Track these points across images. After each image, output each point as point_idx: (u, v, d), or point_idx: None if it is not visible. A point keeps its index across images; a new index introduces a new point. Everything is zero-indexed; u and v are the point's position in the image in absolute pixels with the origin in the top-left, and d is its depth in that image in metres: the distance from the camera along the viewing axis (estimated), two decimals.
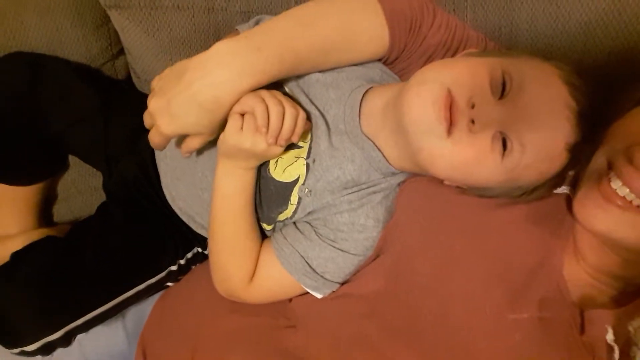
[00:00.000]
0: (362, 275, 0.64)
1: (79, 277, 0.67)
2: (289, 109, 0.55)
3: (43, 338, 0.64)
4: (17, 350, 0.64)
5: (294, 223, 0.64)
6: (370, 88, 0.62)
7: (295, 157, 0.62)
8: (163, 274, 0.74)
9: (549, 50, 0.69)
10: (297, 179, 0.62)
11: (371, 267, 0.63)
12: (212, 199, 0.63)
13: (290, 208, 0.62)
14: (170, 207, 0.74)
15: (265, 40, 0.55)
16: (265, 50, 0.54)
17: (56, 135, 0.78)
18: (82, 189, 0.90)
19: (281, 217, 0.64)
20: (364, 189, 0.61)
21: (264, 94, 0.55)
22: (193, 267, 0.78)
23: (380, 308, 0.60)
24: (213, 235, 0.65)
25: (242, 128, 0.55)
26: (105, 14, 0.82)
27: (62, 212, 0.91)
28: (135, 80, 0.89)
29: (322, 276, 0.62)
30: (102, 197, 0.85)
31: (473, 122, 0.52)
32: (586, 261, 0.57)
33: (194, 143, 0.59)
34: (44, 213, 0.89)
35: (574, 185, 0.60)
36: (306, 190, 0.61)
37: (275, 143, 0.56)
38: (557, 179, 0.58)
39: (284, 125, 0.55)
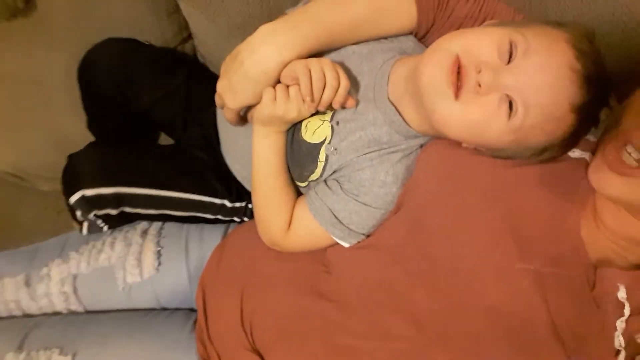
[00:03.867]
0: (384, 229, 0.70)
1: (139, 158, 0.81)
2: (330, 81, 0.62)
3: (98, 187, 0.76)
4: (78, 195, 0.75)
5: (324, 181, 0.72)
6: (399, 58, 0.69)
7: (321, 120, 0.69)
8: (215, 200, 0.84)
9: (577, 21, 0.71)
10: (324, 140, 0.69)
11: (392, 220, 0.69)
12: (252, 161, 0.72)
13: (320, 166, 0.70)
14: (228, 169, 0.85)
15: (301, 19, 0.63)
16: (301, 28, 0.63)
17: (148, 107, 0.90)
18: None
19: (313, 176, 0.72)
20: (384, 148, 0.67)
21: (312, 63, 0.62)
22: (245, 218, 0.89)
23: (401, 257, 0.66)
24: (255, 192, 0.74)
25: (275, 99, 0.64)
26: (176, 3, 0.94)
27: None
28: (201, 60, 1.02)
29: (347, 227, 0.69)
30: None
31: (480, 85, 0.56)
32: (606, 227, 0.59)
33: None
34: None
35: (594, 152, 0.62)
36: (332, 148, 0.69)
37: (314, 109, 0.64)
38: (569, 141, 0.60)
39: (324, 95, 0.63)
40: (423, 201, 0.66)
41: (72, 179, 0.78)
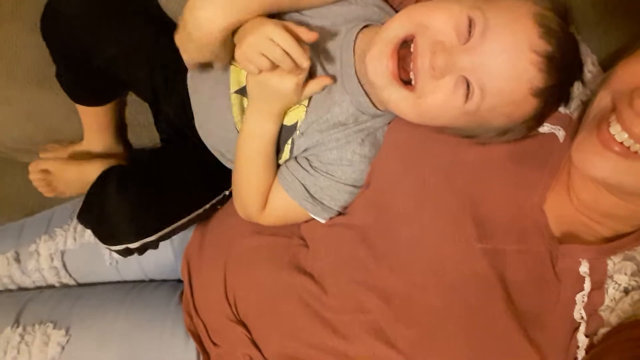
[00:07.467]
0: (354, 208, 0.70)
1: (171, 190, 0.79)
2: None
3: (142, 239, 0.75)
4: (122, 247, 0.76)
5: (295, 158, 0.71)
6: (364, 27, 0.65)
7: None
8: (225, 192, 0.84)
9: None
10: (296, 123, 0.67)
11: (361, 199, 0.69)
12: (240, 135, 0.69)
13: (286, 148, 0.69)
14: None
15: None
16: None
17: (110, 62, 0.83)
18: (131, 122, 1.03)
19: (282, 157, 0.70)
20: (350, 127, 0.66)
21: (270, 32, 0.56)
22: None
23: (368, 236, 0.66)
24: (236, 168, 0.72)
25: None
26: None
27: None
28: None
29: (320, 202, 0.69)
30: (149, 132, 0.97)
31: (435, 68, 0.54)
32: (580, 201, 0.59)
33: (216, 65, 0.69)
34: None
35: (572, 126, 0.60)
36: (297, 132, 0.67)
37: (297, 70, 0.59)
38: (533, 122, 0.58)
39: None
40: (386, 181, 0.66)
41: (110, 235, 0.76)
